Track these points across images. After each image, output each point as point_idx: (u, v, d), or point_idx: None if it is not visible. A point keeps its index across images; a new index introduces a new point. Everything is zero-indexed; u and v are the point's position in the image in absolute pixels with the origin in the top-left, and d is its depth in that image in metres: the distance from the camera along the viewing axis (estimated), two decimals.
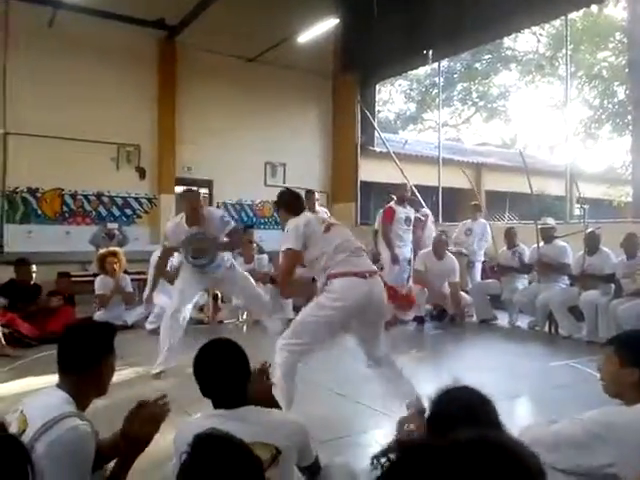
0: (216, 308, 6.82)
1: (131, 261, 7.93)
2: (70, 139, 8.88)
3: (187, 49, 9.94)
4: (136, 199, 9.85)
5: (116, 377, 3.07)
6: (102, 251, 6.64)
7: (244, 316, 6.82)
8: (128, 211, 9.77)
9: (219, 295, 6.87)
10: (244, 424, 1.68)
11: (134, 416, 1.80)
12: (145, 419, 1.79)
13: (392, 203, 7.22)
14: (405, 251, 7.04)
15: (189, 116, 10.09)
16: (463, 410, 1.45)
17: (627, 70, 13.04)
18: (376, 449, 2.94)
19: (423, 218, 8.03)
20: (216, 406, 1.81)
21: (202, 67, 10.07)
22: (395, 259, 6.85)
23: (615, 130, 14.81)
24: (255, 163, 10.86)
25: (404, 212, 7.11)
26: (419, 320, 6.76)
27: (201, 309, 6.71)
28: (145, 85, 9.78)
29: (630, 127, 12.91)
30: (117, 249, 6.60)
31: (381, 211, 7.53)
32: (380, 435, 3.24)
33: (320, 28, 9.28)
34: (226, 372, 1.81)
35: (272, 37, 9.81)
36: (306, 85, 11.41)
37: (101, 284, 6.37)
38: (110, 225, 8.58)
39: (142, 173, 9.81)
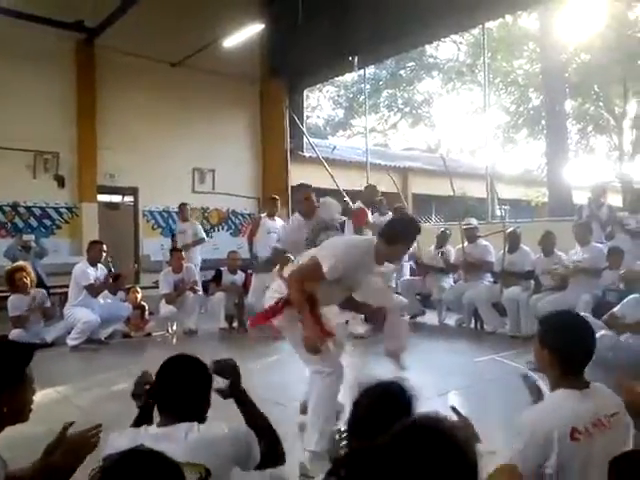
0: (143, 320, 6.58)
1: (51, 274, 7.54)
2: None
3: (107, 52, 9.58)
4: (55, 209, 9.36)
5: (36, 398, 2.90)
6: (8, 268, 6.10)
7: (174, 327, 6.62)
8: (47, 222, 9.26)
9: (146, 307, 6.64)
10: (176, 443, 1.62)
11: (56, 445, 1.67)
12: (69, 449, 1.67)
13: (359, 205, 6.62)
14: None
15: (111, 122, 9.71)
16: (383, 406, 1.49)
17: (541, 77, 13.82)
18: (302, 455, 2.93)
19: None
20: (163, 418, 1.75)
21: (124, 71, 9.73)
22: None
23: (531, 134, 15.61)
24: (182, 169, 10.61)
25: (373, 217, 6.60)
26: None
27: (127, 322, 6.44)
28: (63, 90, 9.33)
29: (544, 131, 13.68)
30: (23, 263, 6.17)
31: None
32: None
33: (245, 33, 9.23)
34: (189, 387, 1.76)
35: (196, 41, 9.62)
36: (233, 90, 11.29)
37: (16, 303, 5.77)
38: (26, 237, 8.07)
39: (61, 181, 9.33)
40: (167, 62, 10.24)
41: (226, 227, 11.44)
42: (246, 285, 7.13)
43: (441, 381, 4.49)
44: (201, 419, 1.77)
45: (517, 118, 15.41)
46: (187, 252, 7.55)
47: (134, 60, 9.68)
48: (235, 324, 7.01)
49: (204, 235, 8.59)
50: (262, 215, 7.37)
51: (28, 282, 5.80)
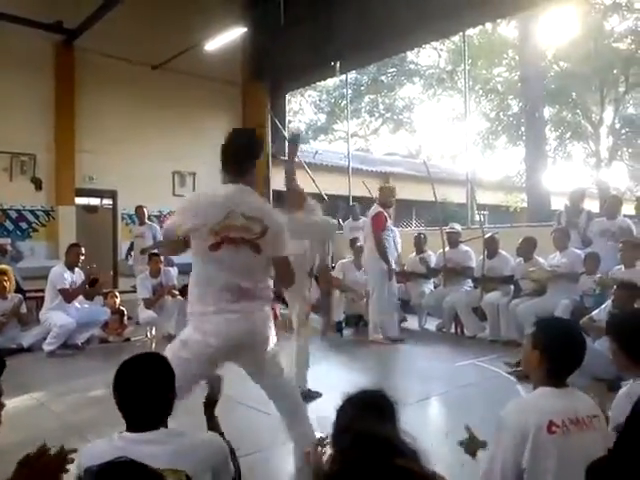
0: (122, 325, 6.48)
1: (27, 278, 7.39)
2: None
3: (87, 54, 9.47)
4: (32, 212, 9.20)
5: (11, 405, 2.84)
6: None
7: (153, 332, 6.53)
8: (23, 225, 9.10)
9: (125, 311, 6.54)
10: (154, 449, 1.59)
11: (34, 459, 1.60)
12: (37, 471, 1.57)
13: (378, 208, 6.18)
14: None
15: (90, 124, 9.58)
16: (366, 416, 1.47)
17: (520, 85, 14.02)
18: (288, 464, 2.92)
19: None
20: (130, 427, 1.68)
21: (104, 73, 9.62)
22: (391, 274, 6.11)
23: (510, 141, 15.81)
24: (162, 172, 10.51)
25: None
26: (336, 326, 6.79)
27: (105, 327, 6.34)
28: (41, 91, 9.19)
29: (523, 138, 13.87)
30: (6, 267, 6.06)
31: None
32: (285, 448, 3.19)
33: (227, 36, 9.19)
34: (149, 389, 1.68)
35: (178, 44, 9.55)
36: (215, 94, 11.23)
37: None
38: (1, 240, 7.92)
39: (38, 184, 9.18)
40: (148, 65, 10.15)
41: None
42: None
43: (422, 386, 4.50)
44: (164, 420, 1.73)
45: (497, 125, 15.61)
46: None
47: (114, 62, 9.59)
48: None
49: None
50: None
51: (7, 286, 5.69)
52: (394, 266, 6.45)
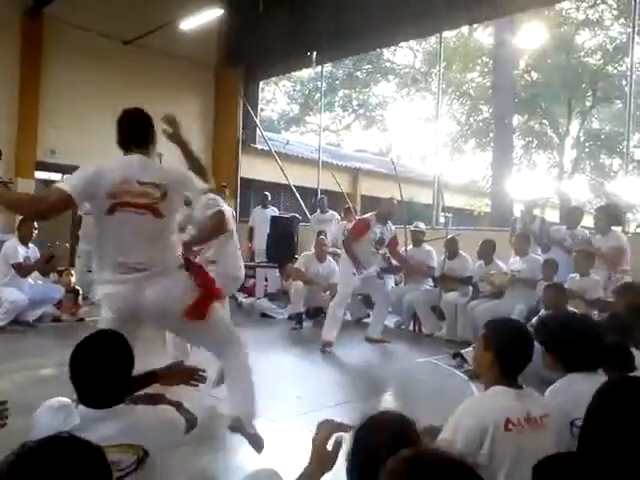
0: (76, 304, 6.32)
1: None
2: None
3: (57, 23, 9.17)
4: None
5: None
6: None
7: None
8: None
9: (80, 291, 6.38)
10: (112, 424, 1.59)
11: None
12: None
13: (371, 216, 5.88)
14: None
15: (56, 96, 9.27)
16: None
17: (491, 91, 14.25)
18: (244, 450, 2.91)
19: None
20: (83, 402, 1.66)
21: (73, 45, 9.34)
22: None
23: (478, 146, 16.09)
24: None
25: (380, 232, 5.74)
26: (297, 318, 6.78)
27: (58, 305, 6.17)
28: (5, 58, 8.87)
29: (492, 144, 14.12)
30: None
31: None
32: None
33: (204, 17, 9.05)
34: (106, 368, 1.66)
35: (152, 20, 9.30)
36: (187, 75, 11.02)
37: None
38: None
39: None
40: (120, 39, 9.88)
41: None
42: None
43: (377, 381, 4.55)
44: (123, 400, 1.72)
45: (466, 129, 15.84)
46: None
47: (85, 34, 9.32)
48: None
49: None
50: None
51: None
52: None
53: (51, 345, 5.20)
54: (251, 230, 9.11)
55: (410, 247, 6.88)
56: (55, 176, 10.18)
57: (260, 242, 8.71)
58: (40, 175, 9.55)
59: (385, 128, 23.81)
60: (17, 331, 5.56)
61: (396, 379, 4.64)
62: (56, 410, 1.70)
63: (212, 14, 9.07)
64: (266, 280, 8.46)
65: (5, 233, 8.08)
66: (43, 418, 1.70)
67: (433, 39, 14.48)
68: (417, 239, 6.93)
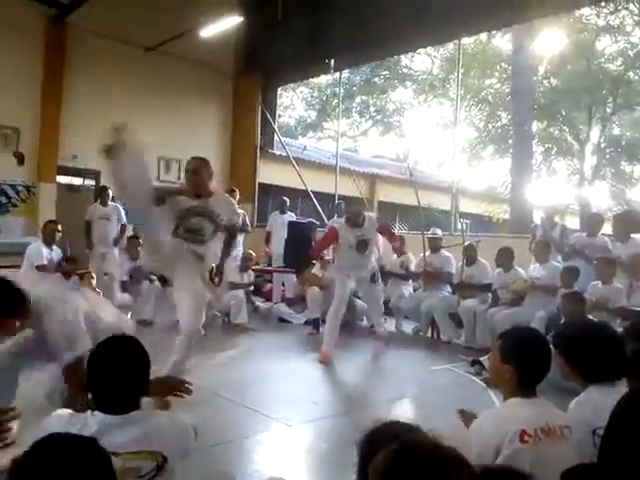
0: None
1: (4, 254, 7.26)
2: None
3: (80, 31, 9.31)
4: (12, 186, 9.01)
5: None
6: None
7: (128, 316, 6.45)
8: (2, 199, 8.91)
9: (100, 294, 6.44)
10: (130, 431, 1.58)
11: None
12: None
13: (339, 224, 5.64)
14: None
15: (78, 101, 9.43)
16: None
17: (510, 97, 14.17)
18: (261, 455, 2.92)
19: None
20: (100, 408, 1.65)
21: (95, 51, 9.47)
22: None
23: (497, 152, 15.98)
24: (147, 156, 10.36)
25: (357, 235, 5.40)
26: (313, 323, 6.78)
27: None
28: (29, 65, 9.01)
29: (510, 150, 14.02)
30: None
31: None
32: (265, 440, 3.20)
33: (223, 24, 9.14)
34: (125, 373, 1.66)
35: (173, 27, 9.43)
36: (207, 81, 11.15)
37: None
38: None
39: (21, 159, 9.00)
40: (141, 46, 10.02)
41: None
42: None
43: (395, 387, 4.52)
44: (138, 404, 1.71)
45: (485, 135, 15.75)
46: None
47: (107, 41, 9.46)
48: None
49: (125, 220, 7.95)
50: None
51: None
52: None
53: None
54: (268, 235, 9.14)
55: (428, 253, 6.84)
56: (76, 180, 10.35)
57: (277, 247, 8.74)
58: (62, 179, 9.70)
59: (402, 134, 23.78)
60: None
61: (413, 386, 4.61)
62: (68, 419, 1.66)
63: (231, 22, 9.15)
64: (283, 285, 8.49)
65: (28, 235, 8.24)
66: (55, 428, 1.69)
67: (451, 45, 14.48)
68: (434, 245, 6.89)
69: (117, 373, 1.65)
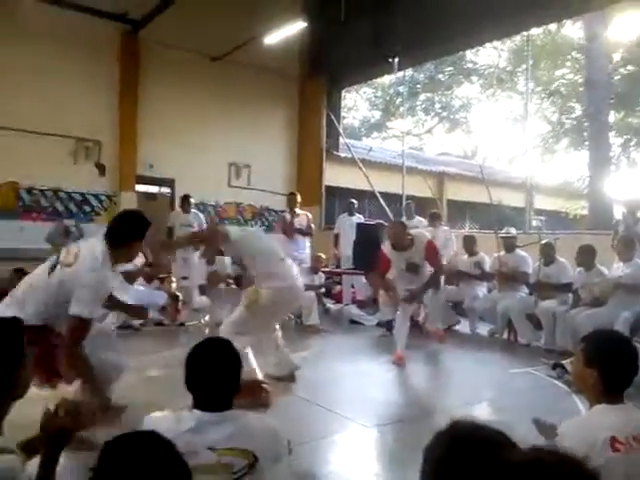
0: (177, 310, 6.66)
1: None
2: (28, 132, 8.56)
3: (151, 44, 9.75)
4: (95, 196, 9.57)
5: None
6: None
7: (206, 318, 6.70)
8: (86, 208, 9.48)
9: (180, 296, 6.72)
10: (225, 428, 1.66)
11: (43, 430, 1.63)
12: (53, 432, 1.61)
13: (386, 248, 5.34)
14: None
15: (152, 112, 9.88)
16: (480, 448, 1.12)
17: (583, 88, 13.54)
18: (337, 455, 2.95)
19: None
20: (198, 406, 1.74)
21: (166, 63, 9.90)
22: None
23: (572, 145, 15.30)
24: (219, 163, 10.73)
25: (402, 258, 5.25)
26: (386, 325, 6.76)
27: (162, 310, 6.54)
28: (107, 79, 9.53)
29: (586, 142, 13.40)
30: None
31: None
32: (341, 441, 3.22)
33: (287, 30, 9.27)
34: (221, 373, 1.77)
35: (238, 36, 9.71)
36: (272, 87, 11.36)
37: None
38: (67, 221, 8.31)
39: (102, 169, 9.54)
40: (208, 56, 10.36)
41: (259, 223, 11.51)
42: None
43: (472, 390, 4.44)
44: (230, 403, 1.79)
45: (558, 128, 15.13)
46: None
47: (176, 53, 9.84)
48: None
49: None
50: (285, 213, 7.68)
51: None
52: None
53: (155, 348, 5.54)
54: (336, 237, 9.20)
55: (502, 253, 6.66)
56: (152, 189, 10.84)
57: (346, 249, 8.77)
58: (139, 188, 10.19)
59: (469, 130, 23.29)
60: (125, 334, 5.94)
61: (490, 389, 4.50)
62: (171, 417, 1.75)
63: (295, 27, 9.28)
64: (353, 287, 8.51)
65: None
66: (158, 424, 1.78)
67: (518, 37, 14.01)
68: (509, 245, 6.69)
69: (213, 373, 1.75)
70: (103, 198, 9.64)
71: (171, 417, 1.75)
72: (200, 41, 9.99)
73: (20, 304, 2.68)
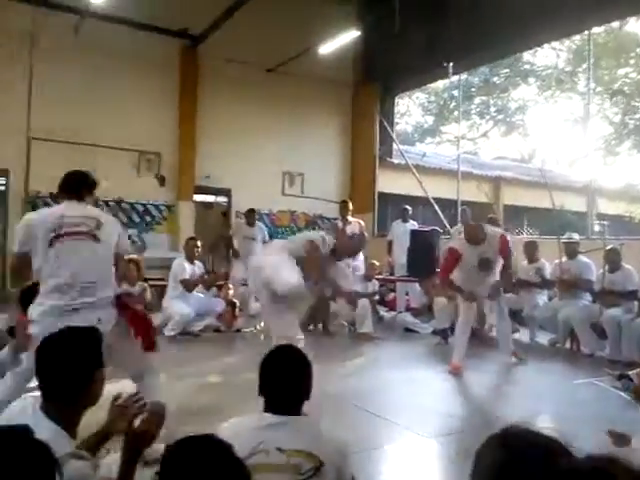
0: (234, 316, 6.83)
1: (150, 268, 8.00)
2: (92, 145, 8.97)
3: (209, 58, 10.06)
4: (155, 206, 9.93)
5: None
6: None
7: (261, 324, 6.81)
8: (147, 218, 9.85)
9: (237, 303, 6.88)
10: (294, 432, 1.74)
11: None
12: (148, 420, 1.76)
13: (460, 243, 5.33)
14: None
15: (209, 124, 10.17)
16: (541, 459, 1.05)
17: None
18: (393, 465, 2.93)
19: None
20: (269, 409, 1.83)
21: (223, 76, 10.17)
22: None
23: (635, 146, 14.67)
24: (273, 172, 10.91)
25: (476, 253, 5.17)
26: (442, 333, 6.68)
27: (219, 317, 6.72)
28: (167, 94, 9.89)
29: None
30: (137, 257, 6.60)
31: None
32: (397, 450, 3.20)
33: (341, 40, 9.34)
34: (293, 379, 1.86)
35: (293, 48, 9.88)
36: (326, 95, 11.47)
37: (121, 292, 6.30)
38: (129, 232, 8.67)
39: (162, 180, 9.90)
40: (263, 68, 10.57)
41: (312, 231, 11.60)
42: None
43: (531, 402, 4.31)
44: (301, 407, 1.86)
45: (621, 129, 14.53)
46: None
47: (233, 66, 10.09)
48: (320, 325, 7.13)
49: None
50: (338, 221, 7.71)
51: (136, 275, 6.17)
52: None
53: (214, 354, 5.68)
54: (390, 244, 9.15)
55: (564, 260, 6.45)
56: (209, 198, 11.15)
57: (400, 256, 8.71)
58: (197, 198, 10.49)
59: (526, 133, 22.67)
60: (185, 340, 6.15)
61: (551, 400, 4.36)
62: (240, 420, 1.86)
63: (349, 36, 9.33)
64: (407, 294, 8.44)
65: (171, 251, 9.01)
66: (242, 424, 1.86)
67: (578, 36, 13.57)
68: (571, 251, 6.46)
69: (286, 379, 1.85)
70: (163, 208, 9.99)
71: (243, 419, 1.85)
72: (256, 53, 10.21)
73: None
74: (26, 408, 1.70)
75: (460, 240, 5.37)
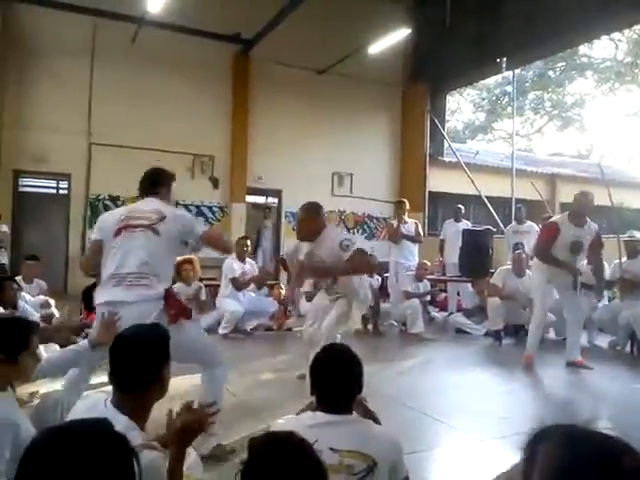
0: (285, 316, 6.93)
1: (204, 267, 8.20)
2: (149, 149, 9.29)
3: (260, 62, 10.24)
4: (209, 208, 10.19)
5: (193, 381, 3.20)
6: (178, 258, 6.77)
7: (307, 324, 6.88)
8: (201, 219, 10.10)
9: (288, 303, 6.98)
10: (346, 431, 1.74)
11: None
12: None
13: (561, 217, 5.37)
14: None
15: (261, 127, 10.35)
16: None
17: None
18: (446, 465, 2.90)
19: None
20: (321, 408, 1.85)
21: (274, 79, 10.33)
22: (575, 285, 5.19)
23: None
24: (323, 173, 10.98)
25: (575, 234, 5.13)
26: (495, 335, 6.56)
27: (272, 317, 6.84)
28: (220, 98, 10.13)
29: None
30: (192, 256, 6.76)
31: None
32: (451, 452, 3.18)
33: (392, 39, 9.30)
34: (345, 377, 1.87)
35: (343, 49, 9.93)
36: (375, 95, 11.45)
37: (177, 292, 6.46)
38: None
39: (215, 183, 10.14)
40: (314, 70, 10.65)
41: (361, 230, 11.62)
42: (382, 288, 7.29)
43: (589, 407, 4.19)
44: (352, 408, 1.87)
45: None
46: None
47: (283, 69, 10.24)
48: (370, 326, 7.12)
49: None
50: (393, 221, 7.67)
51: (192, 275, 6.34)
52: None
53: (266, 352, 5.79)
54: (442, 243, 9.04)
55: (624, 259, 6.21)
56: (260, 199, 11.34)
57: (452, 256, 8.59)
58: (248, 199, 10.69)
59: (583, 128, 21.89)
60: (238, 338, 6.28)
61: (610, 405, 4.22)
62: (293, 418, 1.90)
63: (399, 35, 9.28)
64: (458, 295, 8.32)
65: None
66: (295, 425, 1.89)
67: (638, 26, 12.99)
68: (633, 250, 6.22)
69: (338, 377, 1.86)
70: (216, 209, 10.24)
71: (297, 417, 1.89)
72: (307, 56, 10.33)
73: None
74: (96, 404, 1.80)
75: (562, 217, 5.30)
